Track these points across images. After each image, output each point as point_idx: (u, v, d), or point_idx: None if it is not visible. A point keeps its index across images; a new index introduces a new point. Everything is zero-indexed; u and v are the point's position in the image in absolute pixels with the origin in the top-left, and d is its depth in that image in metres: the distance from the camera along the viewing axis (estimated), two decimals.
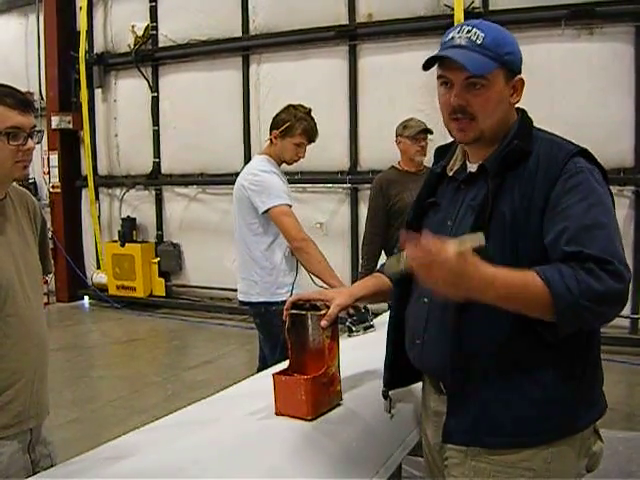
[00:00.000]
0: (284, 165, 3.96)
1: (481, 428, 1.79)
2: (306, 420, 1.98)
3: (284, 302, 3.80)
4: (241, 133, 8.99)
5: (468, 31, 1.81)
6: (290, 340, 2.13)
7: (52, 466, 2.21)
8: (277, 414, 2.03)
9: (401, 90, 7.71)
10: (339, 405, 2.11)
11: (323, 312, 2.03)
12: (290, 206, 3.71)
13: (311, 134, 3.88)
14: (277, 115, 3.92)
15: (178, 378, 6.61)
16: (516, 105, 1.90)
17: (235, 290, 9.17)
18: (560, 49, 7.00)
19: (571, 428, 1.79)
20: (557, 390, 1.75)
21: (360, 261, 4.92)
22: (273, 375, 2.06)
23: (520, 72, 1.85)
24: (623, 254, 1.66)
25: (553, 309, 1.61)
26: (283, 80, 8.51)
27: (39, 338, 2.24)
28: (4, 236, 2.17)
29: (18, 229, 2.24)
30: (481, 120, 1.82)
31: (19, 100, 2.11)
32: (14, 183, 2.28)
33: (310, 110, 3.90)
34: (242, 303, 4.01)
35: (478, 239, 1.54)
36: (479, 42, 1.78)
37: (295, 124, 3.82)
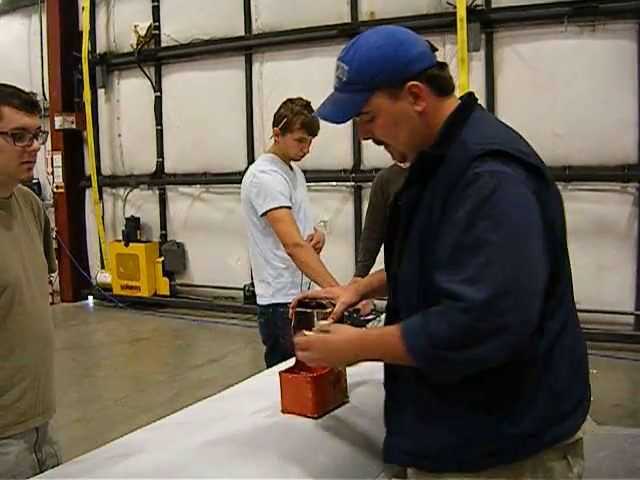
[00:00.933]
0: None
1: (408, 450, 1.73)
2: (312, 418, 1.99)
3: None
4: (244, 132, 8.99)
5: (337, 67, 1.73)
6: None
7: (59, 465, 2.23)
8: (283, 412, 2.03)
9: None
10: (345, 403, 2.11)
11: (329, 310, 2.02)
12: (288, 207, 3.62)
13: (310, 127, 3.74)
14: (277, 111, 3.83)
15: (183, 377, 6.63)
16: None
17: (239, 289, 9.20)
18: (563, 46, 6.98)
19: (506, 457, 1.61)
20: (482, 414, 1.61)
21: (358, 257, 4.89)
22: (279, 373, 2.06)
23: (414, 76, 1.66)
24: (505, 274, 1.46)
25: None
26: (286, 79, 8.50)
27: (45, 336, 2.25)
28: (12, 233, 2.18)
29: (24, 227, 2.25)
30: (393, 144, 1.77)
31: (25, 101, 2.12)
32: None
33: (308, 103, 3.77)
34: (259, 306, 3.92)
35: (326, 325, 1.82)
36: (345, 79, 1.71)
37: (293, 119, 3.71)
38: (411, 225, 1.70)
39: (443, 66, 1.75)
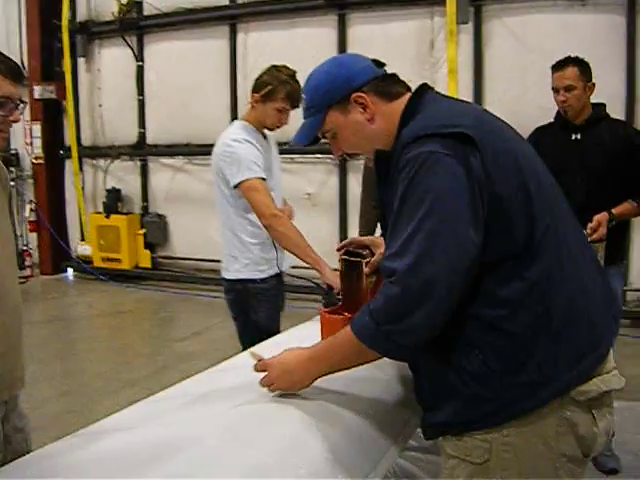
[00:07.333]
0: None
1: (435, 422, 1.79)
2: None
3: (264, 280, 3.68)
4: (228, 103, 8.89)
5: (302, 99, 1.96)
6: (344, 284, 2.27)
7: (25, 441, 2.20)
8: None
9: (392, 60, 7.53)
10: None
11: (367, 260, 2.17)
12: (263, 179, 3.43)
13: (294, 99, 3.50)
14: (259, 77, 3.63)
15: (168, 350, 6.60)
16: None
17: (221, 262, 9.14)
18: (552, 20, 6.93)
19: (512, 410, 1.67)
20: (484, 371, 1.66)
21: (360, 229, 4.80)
22: (321, 312, 2.18)
23: (358, 89, 1.84)
24: (427, 243, 1.57)
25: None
26: (271, 49, 8.39)
27: (12, 309, 2.16)
28: None
29: None
30: (361, 152, 2.00)
31: (12, 68, 2.03)
32: None
33: (295, 73, 3.58)
34: (222, 279, 3.80)
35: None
36: (305, 106, 1.93)
37: (278, 87, 3.51)
38: (386, 219, 1.83)
39: (391, 76, 1.93)
